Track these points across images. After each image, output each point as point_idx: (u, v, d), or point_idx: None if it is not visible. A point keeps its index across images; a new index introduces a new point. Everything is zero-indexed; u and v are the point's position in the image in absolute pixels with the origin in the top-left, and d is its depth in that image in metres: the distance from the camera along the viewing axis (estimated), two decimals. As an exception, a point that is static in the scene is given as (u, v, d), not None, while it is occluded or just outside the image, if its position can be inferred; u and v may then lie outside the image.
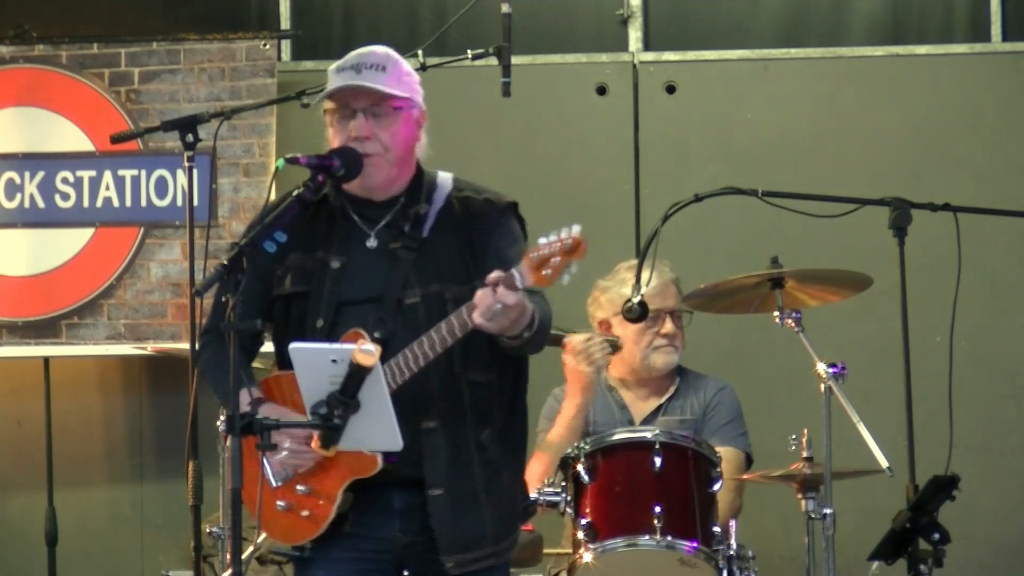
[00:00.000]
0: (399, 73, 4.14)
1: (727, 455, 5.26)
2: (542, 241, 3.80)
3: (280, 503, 4.10)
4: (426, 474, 4.07)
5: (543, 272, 3.78)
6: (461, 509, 4.08)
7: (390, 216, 4.17)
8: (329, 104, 4.14)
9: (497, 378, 4.14)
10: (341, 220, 4.18)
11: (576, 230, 3.80)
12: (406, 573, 4.15)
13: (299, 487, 4.10)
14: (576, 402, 5.39)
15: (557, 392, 5.62)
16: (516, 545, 4.23)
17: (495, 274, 3.83)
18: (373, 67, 4.11)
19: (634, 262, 5.55)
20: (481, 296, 3.84)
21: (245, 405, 3.97)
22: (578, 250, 3.78)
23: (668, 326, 5.55)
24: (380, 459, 4.02)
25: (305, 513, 4.11)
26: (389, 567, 4.16)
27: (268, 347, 4.32)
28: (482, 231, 4.14)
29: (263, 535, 4.46)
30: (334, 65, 4.17)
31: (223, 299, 3.91)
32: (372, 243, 4.16)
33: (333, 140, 4.14)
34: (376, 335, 4.01)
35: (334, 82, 4.12)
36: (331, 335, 4.08)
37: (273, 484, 4.06)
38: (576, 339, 5.38)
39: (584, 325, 5.61)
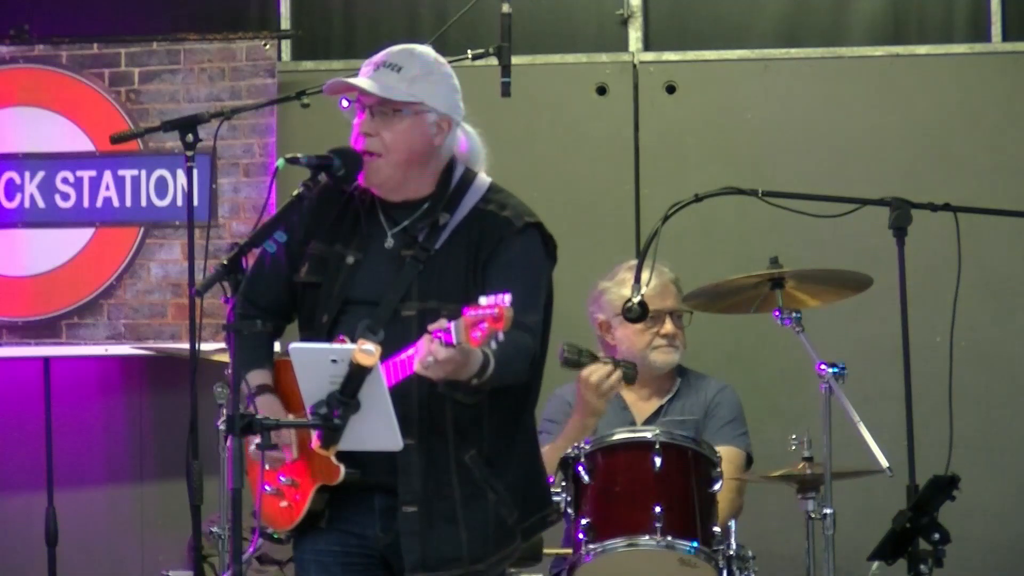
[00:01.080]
0: (415, 75, 4.09)
1: (728, 455, 5.26)
2: (482, 301, 3.75)
3: (267, 487, 4.12)
4: (399, 491, 4.06)
5: (473, 333, 3.74)
6: (434, 528, 4.06)
7: (409, 221, 4.15)
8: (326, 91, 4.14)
9: (489, 400, 4.09)
10: (367, 216, 4.16)
11: (506, 300, 3.73)
12: None
13: (282, 477, 4.13)
14: (585, 423, 5.36)
15: (559, 392, 5.62)
16: (506, 562, 4.18)
17: (438, 323, 3.78)
18: (389, 66, 4.09)
19: (634, 262, 5.54)
20: (420, 344, 3.82)
21: (246, 393, 3.99)
22: (501, 321, 3.72)
23: (668, 326, 5.55)
24: (343, 470, 4.03)
25: (284, 504, 4.15)
26: (376, 563, 4.16)
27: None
28: (489, 250, 4.08)
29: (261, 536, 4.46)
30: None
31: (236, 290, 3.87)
32: (389, 243, 4.14)
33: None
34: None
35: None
36: (331, 332, 4.07)
37: (264, 466, 4.09)
38: (591, 374, 5.29)
39: (584, 326, 5.62)
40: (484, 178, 4.21)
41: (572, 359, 5.28)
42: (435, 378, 3.86)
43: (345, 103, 4.14)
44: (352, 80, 4.09)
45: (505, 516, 4.13)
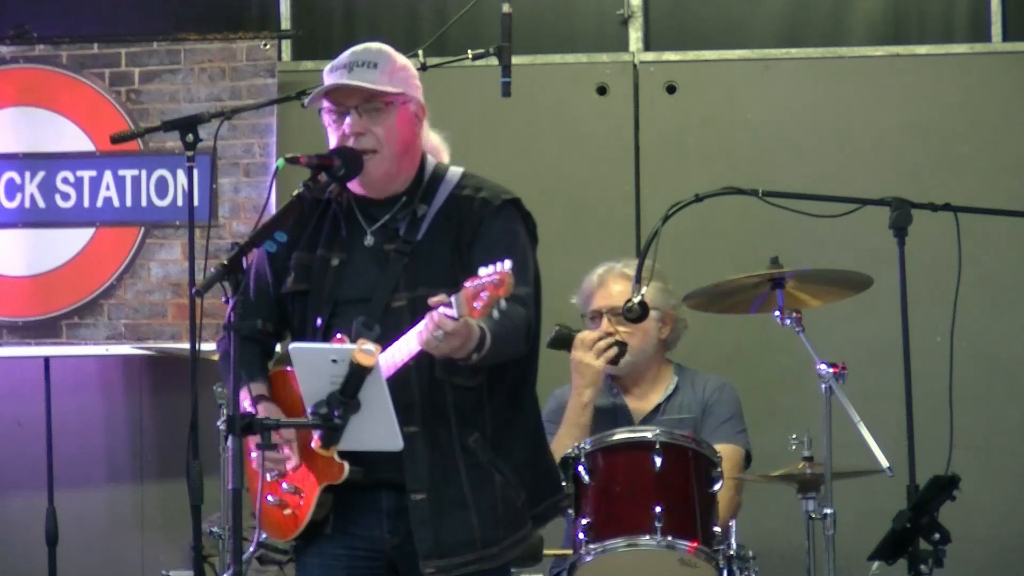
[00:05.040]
0: (391, 69, 4.13)
1: (726, 452, 5.26)
2: (481, 271, 3.77)
3: (270, 498, 4.13)
4: (407, 479, 4.06)
5: (475, 304, 3.76)
6: (445, 514, 4.06)
7: (388, 216, 4.17)
8: (326, 104, 4.15)
9: (488, 381, 4.11)
10: (345, 218, 4.19)
11: (506, 266, 3.76)
12: None
13: (284, 485, 4.13)
14: (582, 399, 5.40)
15: (557, 393, 5.63)
16: (519, 547, 4.17)
17: (438, 298, 3.80)
18: (364, 64, 4.11)
19: (612, 263, 5.60)
20: (423, 322, 3.84)
21: (244, 403, 3.99)
22: (503, 286, 3.75)
23: (604, 325, 5.56)
24: (347, 467, 4.03)
25: (288, 511, 4.14)
26: (382, 567, 4.15)
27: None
28: (471, 232, 4.11)
29: (263, 535, 4.46)
30: (328, 65, 4.18)
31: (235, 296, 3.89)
32: (369, 241, 4.16)
33: (331, 140, 4.15)
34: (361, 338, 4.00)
35: (326, 82, 4.13)
36: (326, 335, 4.09)
37: (267, 478, 4.09)
38: (586, 335, 5.41)
39: (583, 325, 5.63)
40: (456, 168, 4.25)
41: (564, 332, 5.41)
42: (439, 354, 3.87)
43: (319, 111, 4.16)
44: (351, 81, 4.09)
45: (513, 498, 4.14)
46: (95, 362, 6.90)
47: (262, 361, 4.24)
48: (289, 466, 4.09)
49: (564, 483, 4.95)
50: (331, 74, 4.13)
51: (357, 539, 4.14)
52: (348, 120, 4.10)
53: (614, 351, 5.45)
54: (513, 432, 4.18)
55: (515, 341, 4.04)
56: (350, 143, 4.10)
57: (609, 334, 5.50)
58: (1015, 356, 6.70)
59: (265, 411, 4.06)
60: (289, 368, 4.06)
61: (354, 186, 4.15)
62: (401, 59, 4.19)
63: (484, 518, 4.09)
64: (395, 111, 4.12)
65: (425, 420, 4.06)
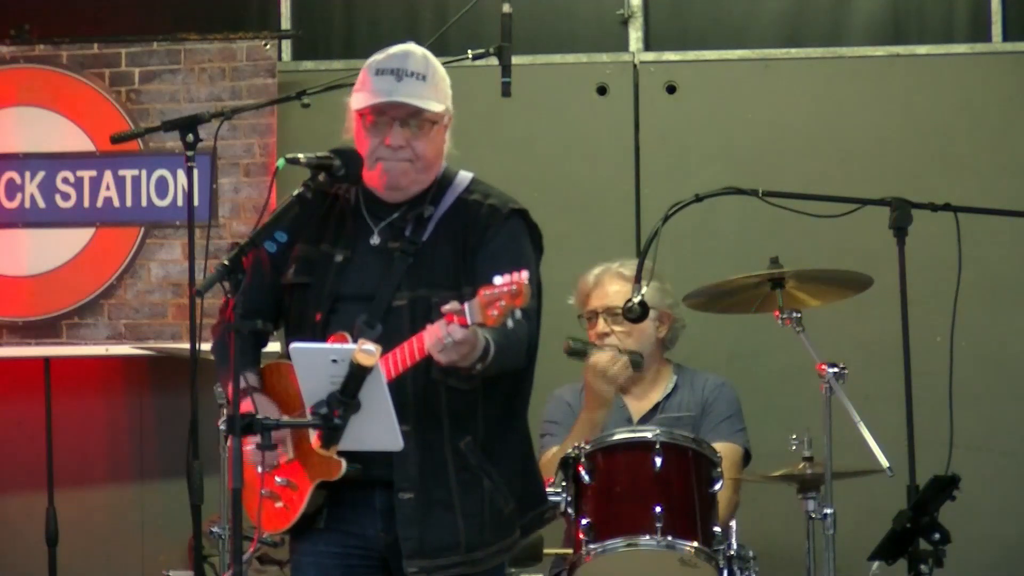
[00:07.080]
0: (437, 81, 4.14)
1: (725, 451, 5.27)
2: (497, 280, 3.78)
3: (263, 490, 4.13)
4: (395, 478, 4.07)
5: (490, 312, 3.77)
6: (431, 515, 4.07)
7: (396, 215, 4.17)
8: (363, 106, 4.13)
9: (483, 386, 4.11)
10: (352, 215, 4.19)
11: (524, 276, 3.78)
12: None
13: (278, 478, 4.13)
14: (592, 417, 5.39)
15: (557, 393, 5.63)
16: (505, 554, 4.19)
17: (451, 305, 3.81)
18: (414, 75, 4.11)
19: (609, 264, 5.58)
20: (433, 328, 3.85)
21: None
22: (520, 296, 3.76)
23: (600, 326, 5.56)
24: (344, 465, 4.03)
25: (280, 504, 4.15)
26: (376, 564, 4.17)
27: (271, 348, 4.35)
28: (477, 238, 4.12)
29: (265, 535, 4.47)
30: (372, 62, 4.14)
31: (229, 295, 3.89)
32: (375, 240, 4.17)
33: (362, 142, 4.13)
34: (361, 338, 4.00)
35: (374, 85, 4.10)
36: (325, 330, 4.09)
37: (259, 470, 4.10)
38: (599, 359, 5.38)
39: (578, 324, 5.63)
40: (466, 173, 4.25)
41: (578, 348, 5.37)
42: (447, 362, 3.88)
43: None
44: (406, 98, 4.07)
45: (501, 505, 4.15)
46: (95, 362, 6.90)
47: (255, 353, 4.24)
48: (282, 460, 4.10)
49: (564, 483, 4.97)
50: (377, 77, 4.11)
51: (351, 536, 4.15)
52: (391, 132, 4.09)
53: (628, 372, 5.43)
54: (505, 440, 4.19)
55: (517, 354, 4.06)
56: (386, 154, 4.09)
57: (621, 352, 5.45)
58: (1015, 356, 6.69)
59: (256, 404, 4.05)
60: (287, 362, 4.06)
61: (373, 187, 4.15)
62: (441, 68, 4.19)
63: (470, 522, 4.10)
64: (437, 127, 4.15)
65: (418, 420, 4.07)
